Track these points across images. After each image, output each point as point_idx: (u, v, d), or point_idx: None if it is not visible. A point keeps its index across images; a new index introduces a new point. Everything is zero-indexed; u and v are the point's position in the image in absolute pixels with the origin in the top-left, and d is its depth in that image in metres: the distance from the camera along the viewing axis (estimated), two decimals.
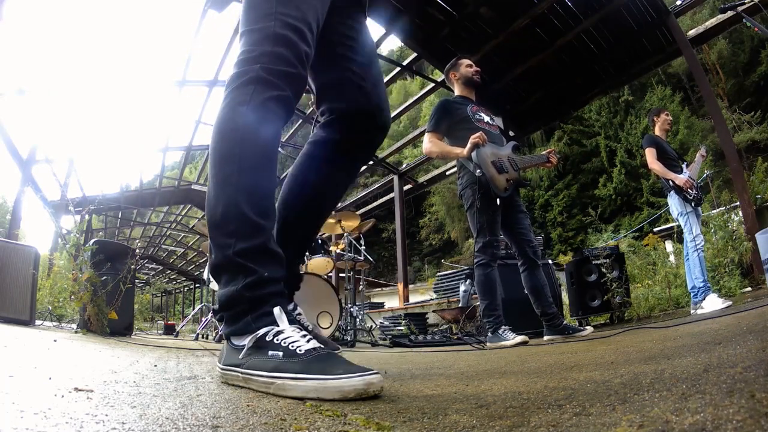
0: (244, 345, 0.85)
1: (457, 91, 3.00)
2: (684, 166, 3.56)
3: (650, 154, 3.53)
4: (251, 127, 0.93)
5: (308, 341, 0.81)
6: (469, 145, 2.57)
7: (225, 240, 0.89)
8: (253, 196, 0.91)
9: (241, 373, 0.84)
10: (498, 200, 2.59)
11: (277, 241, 0.99)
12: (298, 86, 1.00)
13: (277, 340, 0.82)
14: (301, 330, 0.85)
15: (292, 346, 0.80)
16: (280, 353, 0.79)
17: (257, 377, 0.80)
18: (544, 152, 2.94)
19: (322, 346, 0.82)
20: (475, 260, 2.67)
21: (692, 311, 3.27)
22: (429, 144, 2.78)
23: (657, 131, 3.76)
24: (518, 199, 2.82)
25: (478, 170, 2.55)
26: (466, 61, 2.99)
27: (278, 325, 0.84)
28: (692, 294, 3.31)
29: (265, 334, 0.83)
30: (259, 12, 1.00)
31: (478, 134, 2.57)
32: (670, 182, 3.42)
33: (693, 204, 3.38)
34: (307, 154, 1.28)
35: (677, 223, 3.59)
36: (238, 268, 0.87)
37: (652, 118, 3.85)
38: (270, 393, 0.77)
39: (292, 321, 0.88)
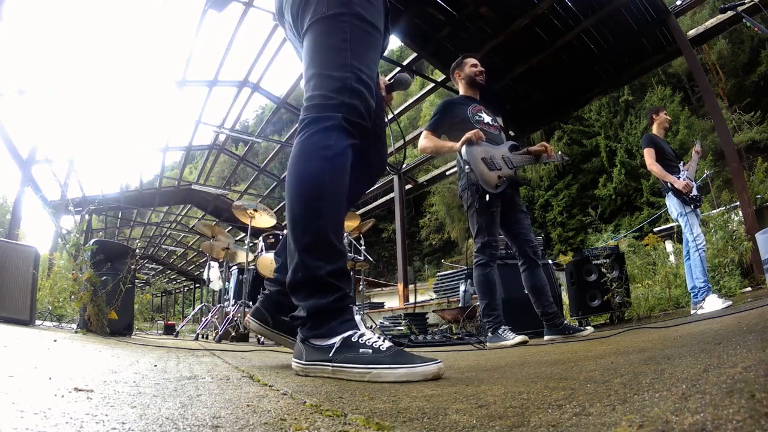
0: (329, 345, 1.04)
1: (461, 90, 3.00)
2: (681, 165, 3.55)
3: (649, 155, 3.53)
4: (336, 170, 1.09)
5: (384, 341, 1.02)
6: (462, 139, 2.59)
7: (315, 262, 1.06)
8: (336, 228, 1.09)
9: (332, 366, 1.02)
10: (488, 197, 2.59)
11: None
12: (365, 136, 1.17)
13: (362, 340, 1.02)
14: (374, 333, 1.07)
15: (376, 345, 1.00)
16: (370, 350, 0.99)
17: (352, 369, 0.99)
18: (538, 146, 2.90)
19: (392, 344, 1.02)
20: (474, 260, 2.68)
21: (692, 311, 3.27)
22: (424, 141, 2.80)
23: (655, 130, 3.75)
24: (518, 198, 2.82)
25: (467, 167, 2.56)
26: (472, 61, 2.99)
27: (359, 329, 1.05)
28: (692, 294, 3.31)
29: (351, 335, 1.03)
30: (335, 60, 1.11)
31: (473, 131, 2.59)
32: (669, 184, 3.42)
33: (692, 206, 3.38)
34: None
35: (677, 223, 3.59)
36: (328, 285, 1.07)
37: (651, 116, 3.84)
38: (365, 381, 0.96)
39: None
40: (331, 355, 1.03)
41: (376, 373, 0.95)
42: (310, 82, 1.13)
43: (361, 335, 1.04)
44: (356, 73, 1.12)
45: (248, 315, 1.46)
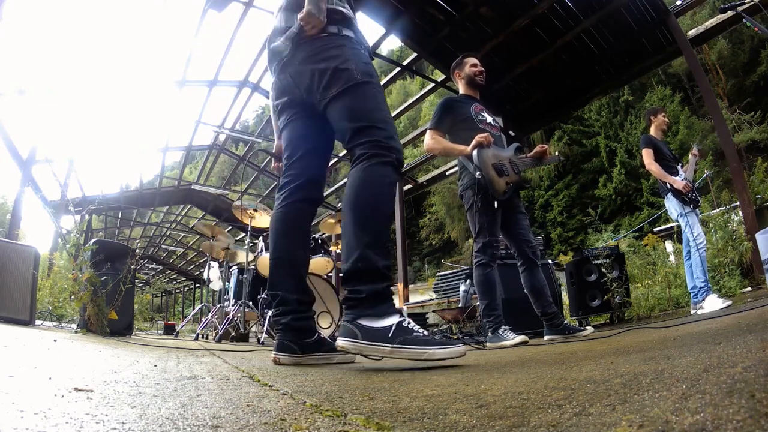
0: (385, 327, 1.24)
1: (461, 89, 2.99)
2: (679, 167, 3.55)
3: (647, 155, 3.52)
4: (390, 194, 1.43)
5: (421, 328, 1.27)
6: (473, 143, 2.57)
7: (375, 257, 1.32)
8: (386, 236, 1.38)
9: (391, 347, 1.22)
10: (496, 203, 2.59)
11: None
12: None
13: (411, 326, 1.25)
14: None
15: (421, 331, 1.25)
16: (421, 334, 1.23)
17: (410, 349, 1.20)
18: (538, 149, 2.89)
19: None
20: (475, 260, 2.67)
21: (692, 311, 3.27)
22: (431, 141, 2.76)
23: (653, 131, 3.74)
24: (518, 200, 2.81)
25: (478, 172, 2.55)
26: (472, 60, 2.98)
27: (405, 317, 1.28)
28: (692, 294, 3.31)
29: (402, 321, 1.26)
30: (379, 116, 1.45)
31: (484, 135, 2.57)
32: (668, 185, 3.41)
33: (691, 206, 3.37)
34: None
35: (677, 223, 3.58)
36: (384, 276, 1.33)
37: (649, 117, 3.83)
38: (422, 359, 1.19)
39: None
40: (390, 336, 1.22)
41: (431, 352, 1.19)
42: (364, 131, 1.42)
43: (409, 322, 1.26)
44: (392, 124, 1.48)
45: (273, 354, 1.50)
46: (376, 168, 1.38)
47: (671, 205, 3.47)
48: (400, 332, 1.23)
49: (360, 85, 1.46)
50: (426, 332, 1.26)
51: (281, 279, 1.56)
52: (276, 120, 1.85)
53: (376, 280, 1.30)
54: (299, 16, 1.49)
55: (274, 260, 1.59)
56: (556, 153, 3.05)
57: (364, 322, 1.27)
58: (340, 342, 1.30)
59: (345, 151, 8.22)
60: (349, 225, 1.36)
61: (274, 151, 1.88)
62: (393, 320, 1.25)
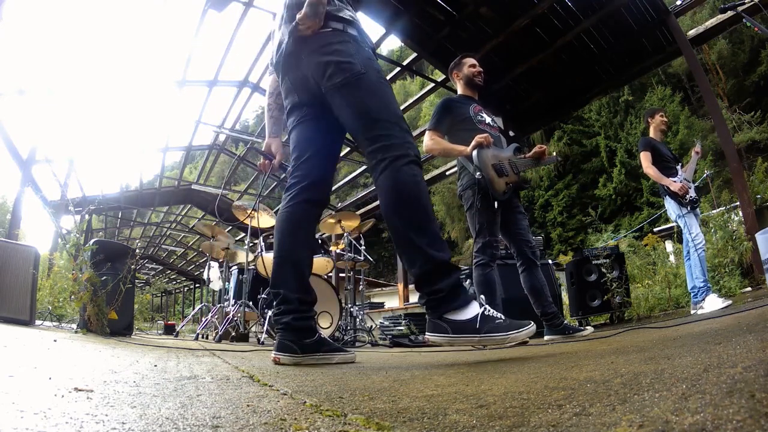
0: (471, 319, 1.32)
1: (459, 90, 2.98)
2: (679, 167, 3.54)
3: (645, 158, 3.50)
4: (426, 191, 1.47)
5: (499, 313, 1.36)
6: (473, 143, 2.57)
7: (438, 253, 1.37)
8: (436, 225, 1.46)
9: (479, 336, 1.31)
10: (496, 203, 2.59)
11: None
12: None
13: (491, 314, 1.34)
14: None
15: (499, 315, 1.34)
16: (500, 320, 1.32)
17: (496, 336, 1.30)
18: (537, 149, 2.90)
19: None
20: (474, 260, 2.68)
21: (692, 311, 3.27)
22: (430, 142, 2.74)
23: (652, 133, 3.73)
24: (517, 200, 2.81)
25: (478, 173, 2.54)
26: (470, 61, 2.97)
27: (484, 305, 1.36)
28: (692, 294, 3.31)
29: (484, 310, 1.34)
30: (391, 110, 1.48)
31: (484, 135, 2.57)
32: (665, 187, 3.41)
33: (689, 207, 3.37)
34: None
35: (677, 224, 3.58)
36: (453, 267, 1.40)
37: (647, 119, 3.82)
38: (505, 343, 1.31)
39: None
40: (477, 327, 1.31)
41: (513, 336, 1.31)
42: (377, 124, 1.44)
43: (489, 310, 1.35)
44: (403, 119, 1.49)
45: (273, 354, 1.49)
46: (404, 169, 1.40)
47: (670, 206, 3.47)
48: (485, 321, 1.32)
49: (367, 77, 1.47)
50: (503, 316, 1.35)
51: (284, 278, 1.56)
52: (269, 118, 1.88)
53: (448, 275, 1.36)
54: (298, 16, 1.51)
55: (277, 259, 1.59)
56: (554, 153, 3.07)
57: (450, 316, 1.34)
58: (430, 337, 1.36)
59: (345, 152, 8.22)
60: (402, 231, 1.40)
61: (263, 149, 1.89)
62: (475, 310, 1.33)
